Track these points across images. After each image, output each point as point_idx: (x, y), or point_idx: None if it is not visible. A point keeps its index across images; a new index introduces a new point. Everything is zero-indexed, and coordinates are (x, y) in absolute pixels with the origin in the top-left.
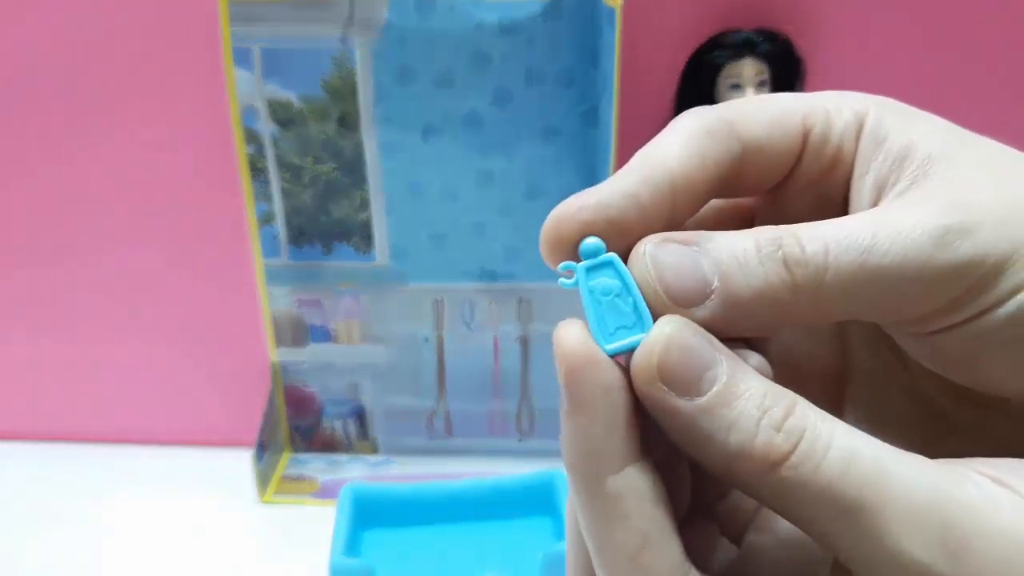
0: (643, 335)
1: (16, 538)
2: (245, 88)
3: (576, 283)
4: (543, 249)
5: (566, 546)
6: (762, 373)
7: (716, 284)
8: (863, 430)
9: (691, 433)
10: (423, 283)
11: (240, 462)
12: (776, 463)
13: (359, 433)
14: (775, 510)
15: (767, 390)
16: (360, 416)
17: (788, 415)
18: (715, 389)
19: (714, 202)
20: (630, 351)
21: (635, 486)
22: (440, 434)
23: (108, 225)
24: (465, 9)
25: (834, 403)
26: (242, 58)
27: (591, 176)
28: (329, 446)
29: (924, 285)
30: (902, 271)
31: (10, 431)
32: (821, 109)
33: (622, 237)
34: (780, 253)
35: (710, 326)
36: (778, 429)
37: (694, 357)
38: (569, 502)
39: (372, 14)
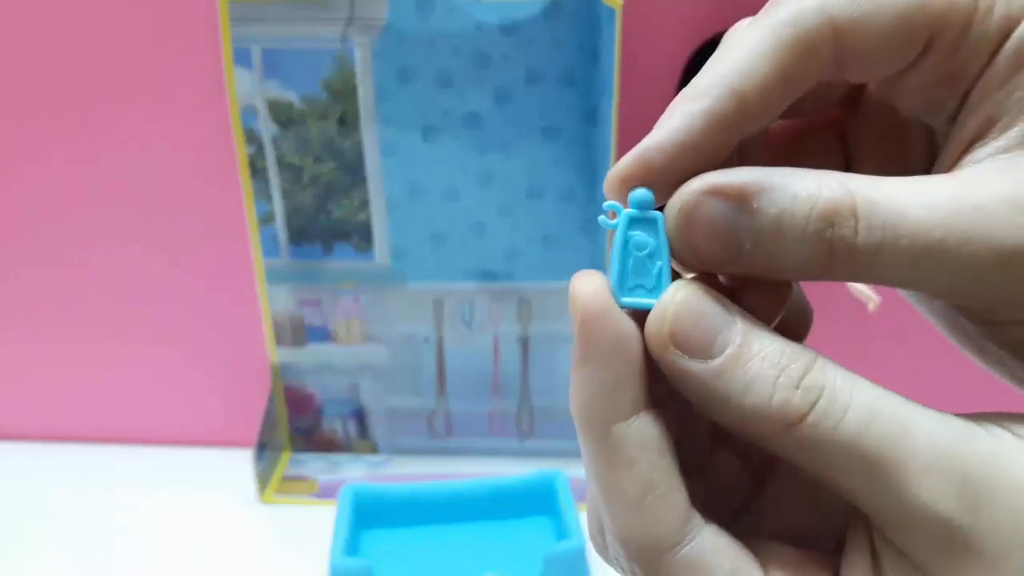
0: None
1: (17, 538)
2: (245, 88)
3: (615, 226)
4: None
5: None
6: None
7: (748, 247)
8: None
9: (706, 394)
10: (423, 283)
11: (240, 462)
12: (795, 421)
13: (359, 433)
14: (795, 464)
15: (784, 349)
16: (360, 416)
17: (806, 373)
18: (728, 351)
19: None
20: (643, 309)
21: (641, 435)
22: (440, 434)
23: (108, 225)
24: (465, 9)
25: None
26: (242, 58)
27: (591, 176)
28: (329, 446)
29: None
30: (978, 269)
31: (10, 431)
32: (962, 13)
33: (672, 186)
34: (829, 234)
35: (735, 276)
36: (796, 387)
37: (706, 322)
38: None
39: (372, 14)
